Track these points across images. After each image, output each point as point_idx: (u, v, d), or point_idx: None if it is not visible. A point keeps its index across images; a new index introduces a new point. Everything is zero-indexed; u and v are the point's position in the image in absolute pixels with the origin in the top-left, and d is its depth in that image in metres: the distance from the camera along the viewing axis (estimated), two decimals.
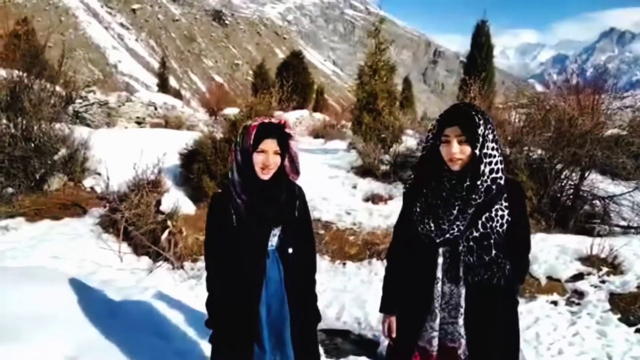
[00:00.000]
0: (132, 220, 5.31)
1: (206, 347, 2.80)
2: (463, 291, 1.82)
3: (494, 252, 1.78)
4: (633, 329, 3.90)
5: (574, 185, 6.19)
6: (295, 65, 26.07)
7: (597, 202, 6.32)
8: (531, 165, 5.91)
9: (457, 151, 1.75)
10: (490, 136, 1.77)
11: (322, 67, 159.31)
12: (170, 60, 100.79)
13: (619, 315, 4.06)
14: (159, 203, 5.69)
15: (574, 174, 6.27)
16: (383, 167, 7.40)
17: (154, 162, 5.88)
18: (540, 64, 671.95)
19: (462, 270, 1.81)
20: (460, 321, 1.83)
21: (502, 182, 1.80)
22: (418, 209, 1.91)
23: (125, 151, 6.45)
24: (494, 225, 1.78)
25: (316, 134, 13.35)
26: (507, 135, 6.08)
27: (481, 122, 1.75)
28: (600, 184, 6.44)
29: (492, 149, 1.77)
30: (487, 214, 1.79)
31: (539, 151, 6.39)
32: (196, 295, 4.20)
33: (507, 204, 1.81)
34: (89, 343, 2.46)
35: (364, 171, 7.54)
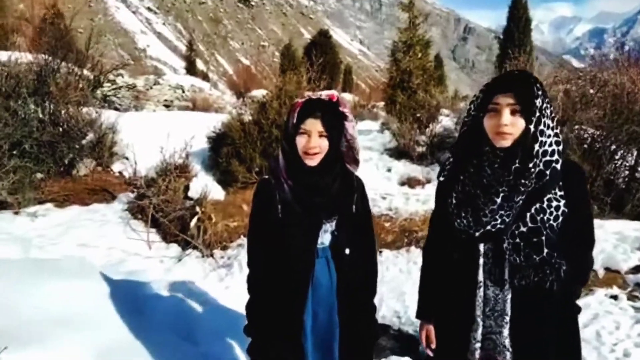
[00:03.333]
0: (160, 207, 5.15)
1: (238, 352, 2.58)
2: (509, 296, 1.53)
3: (545, 250, 1.47)
4: None
5: (630, 167, 5.69)
6: (322, 44, 25.57)
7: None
8: (582, 146, 5.45)
9: (508, 122, 1.44)
10: (548, 111, 1.47)
11: (348, 46, 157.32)
12: (197, 43, 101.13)
13: None
14: (187, 188, 5.52)
15: (629, 155, 5.76)
16: (419, 149, 7.02)
17: (182, 146, 5.71)
18: (576, 39, 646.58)
19: (507, 271, 1.52)
20: (506, 331, 1.54)
21: (558, 166, 1.48)
22: (454, 200, 1.61)
23: (153, 135, 6.28)
24: (546, 218, 1.47)
25: None
26: (557, 112, 5.60)
27: (539, 92, 1.45)
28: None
29: (549, 127, 1.47)
30: (537, 205, 1.48)
31: (590, 130, 5.90)
32: (226, 287, 4.02)
33: (563, 192, 1.50)
34: (114, 345, 2.27)
35: (399, 153, 7.18)
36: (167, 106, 11.43)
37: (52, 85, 6.12)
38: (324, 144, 1.66)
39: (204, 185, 5.40)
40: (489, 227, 1.51)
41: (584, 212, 1.57)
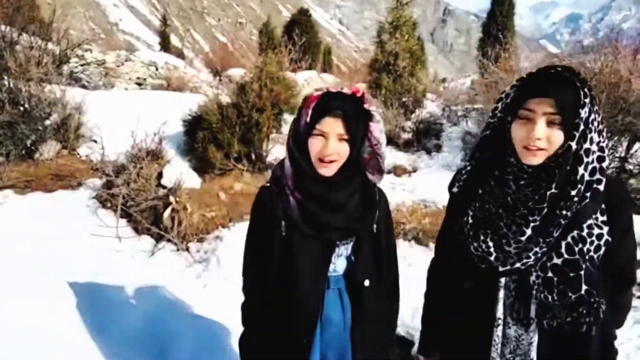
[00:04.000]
0: (131, 196, 4.77)
1: None
2: (535, 338, 1.26)
3: (584, 287, 1.20)
4: None
5: (620, 158, 5.57)
6: (302, 23, 24.92)
7: None
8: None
9: (542, 135, 1.16)
10: (596, 123, 1.18)
11: (327, 25, 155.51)
12: (172, 18, 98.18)
13: None
14: (160, 176, 5.13)
15: (619, 146, 5.63)
16: (405, 135, 6.78)
17: (155, 129, 5.30)
18: (552, 24, 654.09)
19: (534, 309, 1.24)
20: None
21: (600, 187, 1.20)
22: (470, 219, 1.33)
23: (124, 116, 5.85)
24: (586, 249, 1.20)
25: None
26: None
27: (587, 99, 1.15)
28: None
29: (595, 142, 1.18)
30: (575, 233, 1.21)
31: None
32: (204, 285, 3.72)
33: (606, 217, 1.22)
34: None
35: None
36: (139, 84, 10.85)
37: (10, 60, 5.59)
38: (344, 149, 1.35)
39: (179, 172, 5.02)
40: (518, 265, 1.23)
41: (629, 241, 1.31)
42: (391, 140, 6.65)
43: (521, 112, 1.20)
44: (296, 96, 5.83)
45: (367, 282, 1.45)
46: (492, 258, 1.26)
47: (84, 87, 8.51)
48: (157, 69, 11.70)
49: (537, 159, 1.19)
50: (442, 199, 5.83)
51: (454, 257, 1.41)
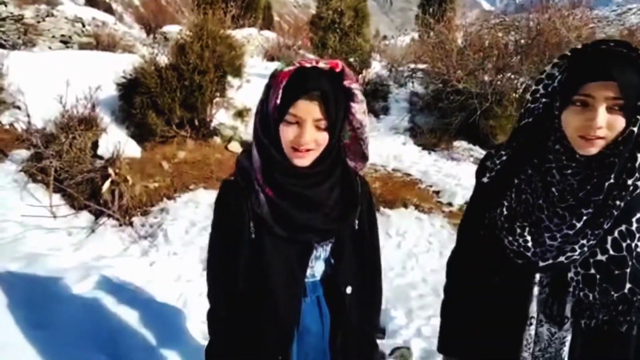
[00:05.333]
0: (64, 168, 4.40)
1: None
2: (568, 337, 1.19)
3: (628, 285, 1.10)
4: None
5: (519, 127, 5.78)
6: None
7: None
8: (520, 97, 5.39)
9: (604, 124, 1.05)
10: None
11: None
12: None
13: None
14: (95, 145, 4.76)
15: None
16: None
17: (86, 94, 4.86)
18: None
19: (570, 308, 1.17)
20: None
21: None
22: (505, 211, 1.22)
23: (50, 79, 5.32)
24: (634, 244, 1.10)
25: (270, 56, 12.12)
26: (493, 60, 5.46)
27: None
28: None
29: None
30: (624, 227, 1.11)
31: (522, 79, 5.87)
32: (151, 263, 3.54)
33: None
34: None
35: None
36: (64, 42, 9.93)
37: None
38: (322, 136, 1.15)
39: (116, 141, 4.67)
40: (561, 259, 1.12)
41: None
42: None
43: (577, 98, 1.07)
44: (240, 57, 5.53)
45: (349, 290, 1.30)
46: (529, 253, 1.16)
47: (1, 46, 7.67)
48: (83, 26, 10.74)
49: (595, 149, 1.08)
50: (392, 162, 5.86)
51: (482, 251, 1.29)
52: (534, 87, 1.22)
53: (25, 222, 3.86)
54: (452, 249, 1.51)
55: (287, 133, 1.14)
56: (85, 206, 4.30)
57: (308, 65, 1.13)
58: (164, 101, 5.11)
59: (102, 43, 10.34)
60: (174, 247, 3.81)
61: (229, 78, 5.48)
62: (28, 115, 4.89)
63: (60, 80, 4.83)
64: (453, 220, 4.64)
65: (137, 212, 4.40)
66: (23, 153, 4.84)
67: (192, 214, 4.38)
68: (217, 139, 5.66)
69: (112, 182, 4.41)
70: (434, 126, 5.89)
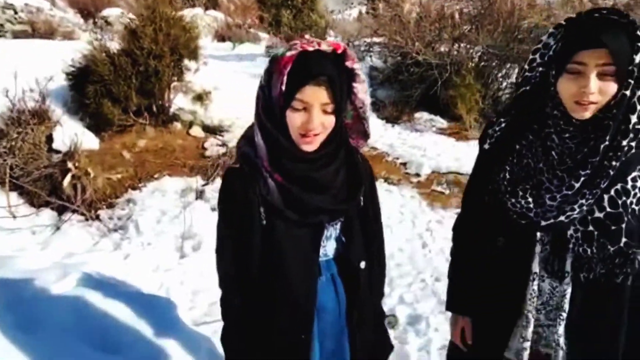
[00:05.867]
0: (19, 165, 4.16)
1: (175, 354, 2.13)
2: (569, 290, 1.27)
3: (624, 240, 1.18)
4: None
5: (514, 84, 5.99)
6: None
7: None
8: (477, 66, 5.52)
9: (595, 90, 1.10)
10: None
11: None
12: None
13: None
14: (50, 140, 4.51)
15: (513, 73, 6.03)
16: None
17: (33, 85, 4.57)
18: None
19: (570, 263, 1.25)
20: (561, 329, 1.30)
21: None
22: (507, 175, 1.28)
23: None
24: (629, 201, 1.18)
25: (221, 36, 11.78)
26: (449, 30, 5.55)
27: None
28: None
29: None
30: (620, 185, 1.18)
31: (477, 47, 6.00)
32: (125, 256, 3.44)
33: None
34: None
35: None
36: None
37: None
38: (329, 120, 1.14)
39: (72, 133, 4.44)
40: (561, 218, 1.18)
41: None
42: None
43: (571, 66, 1.11)
44: (195, 39, 5.35)
45: (362, 264, 1.33)
46: (531, 214, 1.22)
47: None
48: (16, 12, 10.06)
49: (589, 113, 1.13)
50: None
51: (486, 214, 1.35)
52: (531, 57, 1.27)
53: None
54: (457, 216, 1.57)
55: (294, 119, 1.13)
56: (47, 203, 4.10)
57: (310, 48, 1.12)
58: (119, 89, 4.88)
59: (39, 30, 9.75)
60: (146, 237, 3.71)
61: (186, 61, 5.30)
62: None
63: (2, 72, 4.54)
64: (422, 190, 4.76)
65: (103, 205, 4.24)
66: None
67: (161, 203, 4.27)
68: (178, 125, 5.50)
69: (72, 176, 4.21)
70: (396, 99, 5.96)
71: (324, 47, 1.13)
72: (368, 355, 1.41)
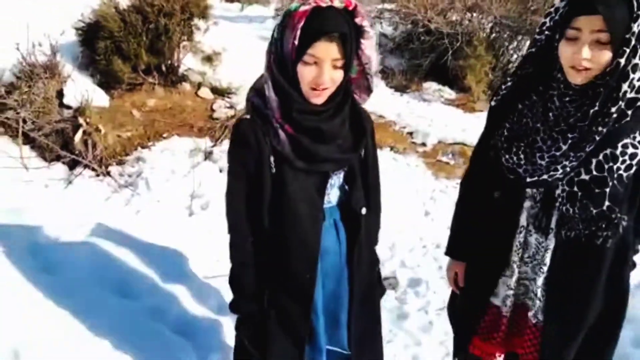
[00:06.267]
0: (31, 118, 4.22)
1: (185, 300, 2.24)
2: (551, 246, 1.37)
3: (606, 203, 1.25)
4: None
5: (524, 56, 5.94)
6: None
7: None
8: (488, 37, 5.48)
9: (587, 56, 1.15)
10: None
11: None
12: None
13: None
14: (61, 94, 4.55)
15: (522, 44, 5.98)
16: None
17: (43, 39, 4.58)
18: None
19: (555, 220, 1.34)
20: (540, 281, 1.41)
21: None
22: (506, 132, 1.37)
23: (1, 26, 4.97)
24: (615, 167, 1.24)
25: None
26: None
27: (639, 11, 1.13)
28: None
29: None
30: (609, 150, 1.24)
31: (489, 17, 5.94)
32: (137, 212, 3.54)
33: None
34: (31, 321, 1.79)
35: None
36: None
37: None
38: (338, 75, 1.22)
39: (83, 89, 4.49)
40: (545, 177, 1.27)
41: None
42: None
43: (569, 30, 1.17)
44: None
45: (364, 211, 1.43)
46: (520, 170, 1.31)
47: None
48: None
49: (581, 79, 1.19)
50: (365, 104, 5.89)
51: (486, 168, 1.45)
52: (542, 20, 1.32)
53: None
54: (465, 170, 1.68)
55: (305, 73, 1.20)
56: (58, 158, 4.18)
57: (323, 4, 1.16)
58: (129, 46, 4.88)
59: None
60: (156, 195, 3.80)
61: (196, 20, 5.27)
62: None
63: (11, 26, 4.54)
64: (427, 160, 4.81)
65: (113, 161, 4.31)
66: None
67: (170, 162, 4.34)
68: (187, 85, 5.51)
69: (83, 132, 4.28)
70: (405, 68, 5.94)
71: (337, 3, 1.18)
72: (363, 296, 1.52)
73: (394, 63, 6.08)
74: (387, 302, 2.83)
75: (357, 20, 1.21)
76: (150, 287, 2.27)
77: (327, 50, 1.17)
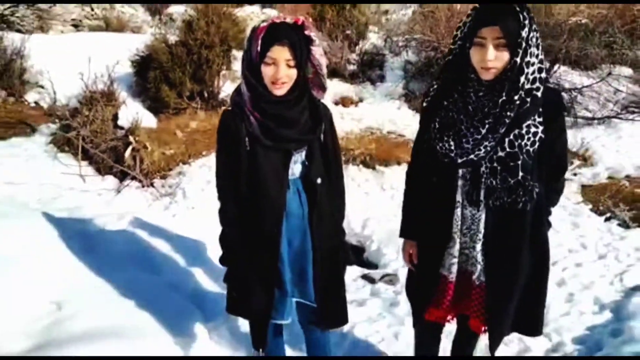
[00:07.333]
0: (90, 138, 4.90)
1: (200, 278, 2.68)
2: (483, 216, 1.67)
3: (520, 174, 1.58)
4: (602, 218, 4.08)
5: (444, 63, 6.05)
6: None
7: (563, 94, 6.33)
8: None
9: (492, 57, 1.48)
10: (534, 39, 1.50)
11: None
12: None
13: (590, 206, 4.23)
14: (115, 117, 5.24)
15: None
16: (350, 67, 7.05)
17: (103, 71, 5.32)
18: None
19: (483, 193, 1.64)
20: (478, 247, 1.70)
21: (539, 94, 1.54)
22: (437, 125, 1.69)
23: (69, 60, 5.77)
24: (523, 143, 1.56)
25: None
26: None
27: (526, 21, 1.47)
28: (568, 75, 6.40)
29: (534, 55, 1.50)
30: (516, 131, 1.56)
31: None
32: (173, 215, 4.04)
33: (542, 118, 1.57)
34: (73, 284, 2.27)
35: (330, 72, 7.18)
36: (75, 26, 10.37)
37: None
38: (292, 72, 1.62)
39: (134, 112, 5.15)
40: (472, 156, 1.59)
41: (560, 138, 1.67)
42: (337, 73, 6.93)
43: (476, 39, 1.51)
44: (244, 32, 5.94)
45: (319, 180, 1.80)
46: (452, 154, 1.63)
47: (19, 31, 8.12)
48: (92, 9, 11.15)
49: (490, 76, 1.52)
50: (387, 125, 6.27)
51: (424, 158, 1.78)
52: (455, 33, 1.68)
53: (59, 184, 4.39)
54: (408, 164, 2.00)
55: (267, 71, 1.61)
56: (110, 170, 4.81)
57: (278, 21, 1.60)
58: (176, 75, 5.55)
59: (112, 25, 10.74)
60: (192, 202, 4.30)
61: (234, 52, 5.89)
62: (54, 92, 5.38)
63: (78, 61, 5.29)
64: None
65: (157, 175, 4.88)
66: (50, 127, 5.35)
67: (206, 175, 4.85)
68: None
69: (133, 149, 4.91)
70: (425, 91, 6.27)
71: (288, 20, 1.61)
72: (326, 254, 1.86)
73: (416, 87, 6.45)
74: (384, 294, 3.13)
75: (306, 32, 1.63)
76: (173, 267, 2.72)
77: (280, 53, 1.56)
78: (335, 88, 6.83)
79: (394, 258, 3.72)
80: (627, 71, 6.44)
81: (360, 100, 6.51)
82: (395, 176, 4.91)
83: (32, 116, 5.56)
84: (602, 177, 4.56)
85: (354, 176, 5.12)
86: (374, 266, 3.82)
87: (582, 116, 6.20)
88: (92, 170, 4.84)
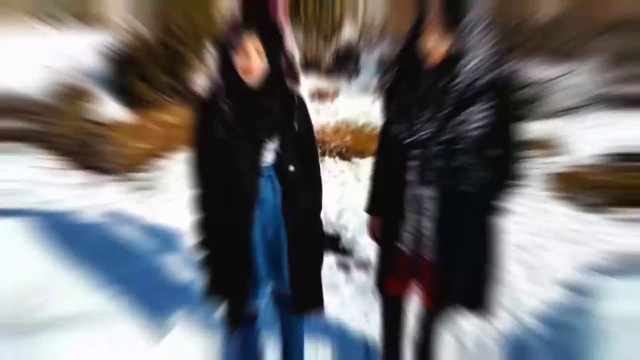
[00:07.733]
0: (61, 133, 4.88)
1: (175, 266, 2.75)
2: (433, 195, 1.77)
3: (461, 158, 1.68)
4: (567, 204, 4.27)
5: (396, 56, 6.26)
6: None
7: (531, 87, 6.52)
8: None
9: (433, 44, 1.60)
10: (480, 24, 1.59)
11: None
12: None
13: (556, 194, 4.42)
14: (89, 112, 5.24)
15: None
16: (326, 62, 7.15)
17: (79, 65, 5.31)
18: None
19: (431, 174, 1.75)
20: (429, 225, 1.80)
21: (483, 81, 1.62)
22: (392, 109, 1.81)
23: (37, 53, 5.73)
24: (465, 129, 1.65)
25: None
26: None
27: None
28: (534, 68, 6.59)
29: (478, 40, 1.59)
30: (460, 117, 1.65)
31: None
32: (148, 208, 4.08)
33: (489, 104, 1.64)
34: (46, 273, 2.32)
35: (306, 66, 7.26)
36: None
37: None
38: (263, 61, 1.68)
39: (111, 108, 5.16)
40: (415, 137, 1.71)
41: (510, 125, 1.74)
42: (313, 67, 7.02)
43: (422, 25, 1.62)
44: (217, 26, 5.96)
45: (291, 168, 1.83)
46: (401, 136, 1.74)
47: None
48: None
49: (434, 61, 1.63)
50: (362, 118, 6.38)
51: (384, 141, 1.90)
52: (411, 22, 1.78)
53: (32, 178, 4.34)
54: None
55: (237, 60, 1.67)
56: (84, 166, 4.80)
57: (250, 10, 1.68)
58: (151, 71, 5.55)
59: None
60: (169, 195, 4.34)
61: (209, 47, 5.91)
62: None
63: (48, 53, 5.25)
64: None
65: (133, 170, 4.90)
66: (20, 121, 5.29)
67: (183, 169, 4.89)
68: None
69: (109, 144, 4.91)
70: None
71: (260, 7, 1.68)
72: (300, 243, 1.90)
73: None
74: (358, 280, 3.25)
75: (277, 22, 1.71)
76: (148, 255, 2.79)
77: (249, 42, 1.63)
78: (310, 82, 6.93)
79: (367, 244, 3.83)
80: (592, 64, 6.68)
81: (336, 93, 6.61)
82: (370, 167, 5.01)
83: None
84: (568, 165, 4.76)
85: (330, 168, 5.22)
86: (349, 254, 3.92)
87: (549, 108, 6.42)
88: (65, 164, 4.82)
